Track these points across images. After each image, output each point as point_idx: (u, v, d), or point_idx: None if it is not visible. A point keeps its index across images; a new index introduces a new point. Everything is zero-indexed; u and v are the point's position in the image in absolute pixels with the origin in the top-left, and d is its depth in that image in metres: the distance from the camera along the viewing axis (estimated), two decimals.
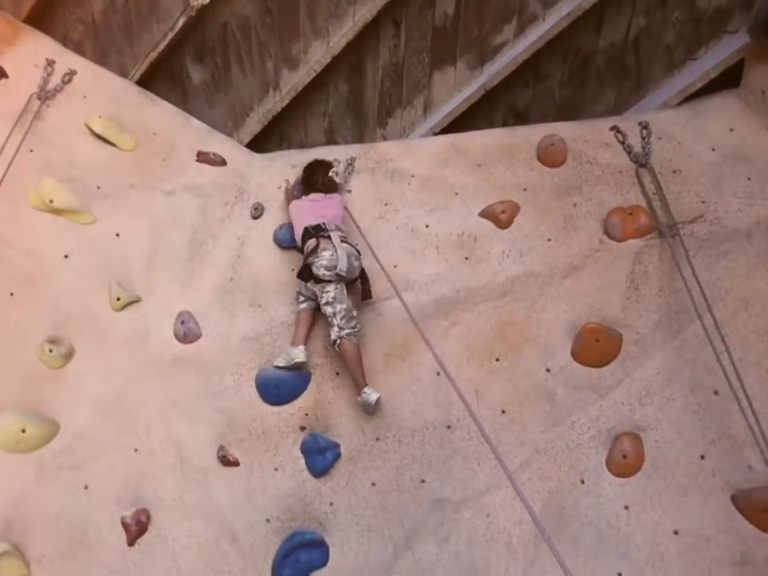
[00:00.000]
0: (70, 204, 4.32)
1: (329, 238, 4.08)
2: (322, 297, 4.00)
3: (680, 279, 3.76)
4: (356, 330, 3.97)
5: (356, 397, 3.95)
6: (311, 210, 4.31)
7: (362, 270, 4.15)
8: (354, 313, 4.01)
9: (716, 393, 3.63)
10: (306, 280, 4.10)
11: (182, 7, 4.81)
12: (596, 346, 3.82)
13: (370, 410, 3.92)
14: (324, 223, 4.17)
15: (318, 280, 4.00)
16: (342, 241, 4.10)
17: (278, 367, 4.08)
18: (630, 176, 4.20)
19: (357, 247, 4.18)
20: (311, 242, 4.11)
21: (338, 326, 3.92)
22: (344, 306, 3.97)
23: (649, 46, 4.65)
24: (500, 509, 3.71)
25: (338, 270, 3.96)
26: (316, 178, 4.51)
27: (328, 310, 3.97)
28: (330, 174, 4.49)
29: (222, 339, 4.28)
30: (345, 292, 4.04)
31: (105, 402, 4.08)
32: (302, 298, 4.19)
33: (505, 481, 3.71)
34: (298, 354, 4.02)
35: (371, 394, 3.86)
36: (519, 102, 4.99)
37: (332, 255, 3.99)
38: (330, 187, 4.48)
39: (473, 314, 4.05)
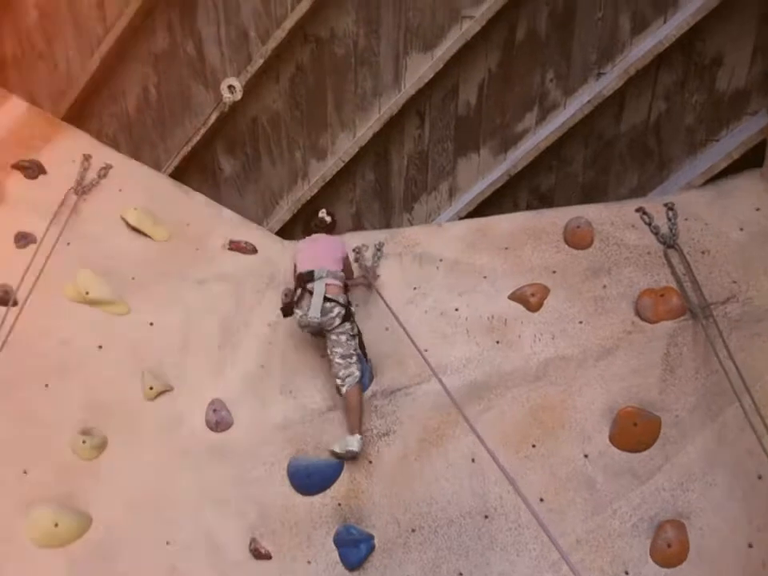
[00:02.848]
0: (105, 295, 4.41)
1: (311, 290, 4.22)
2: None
3: (716, 360, 3.71)
4: (351, 377, 4.15)
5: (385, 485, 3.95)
6: (308, 251, 4.49)
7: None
8: (353, 357, 4.19)
9: (760, 477, 3.55)
10: (285, 316, 4.39)
11: (214, 104, 5.01)
12: (634, 431, 3.75)
13: (345, 454, 4.05)
14: (314, 271, 4.27)
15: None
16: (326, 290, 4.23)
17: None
18: (659, 257, 4.21)
19: (346, 297, 4.31)
20: (298, 292, 4.30)
21: (336, 375, 4.19)
22: (339, 353, 4.18)
23: (670, 129, 4.72)
24: None
25: (309, 319, 4.16)
26: (309, 224, 4.78)
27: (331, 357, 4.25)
28: (320, 215, 4.73)
29: (254, 428, 4.27)
30: (340, 339, 4.20)
31: (137, 493, 4.05)
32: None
33: (546, 572, 3.62)
34: (353, 443, 4.04)
35: (353, 443, 4.02)
36: (543, 185, 5.06)
37: (306, 308, 4.19)
38: (322, 225, 4.70)
39: (506, 398, 4.01)
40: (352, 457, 4.04)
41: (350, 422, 4.09)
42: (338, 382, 4.16)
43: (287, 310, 4.34)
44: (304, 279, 4.29)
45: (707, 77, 4.52)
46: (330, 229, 4.74)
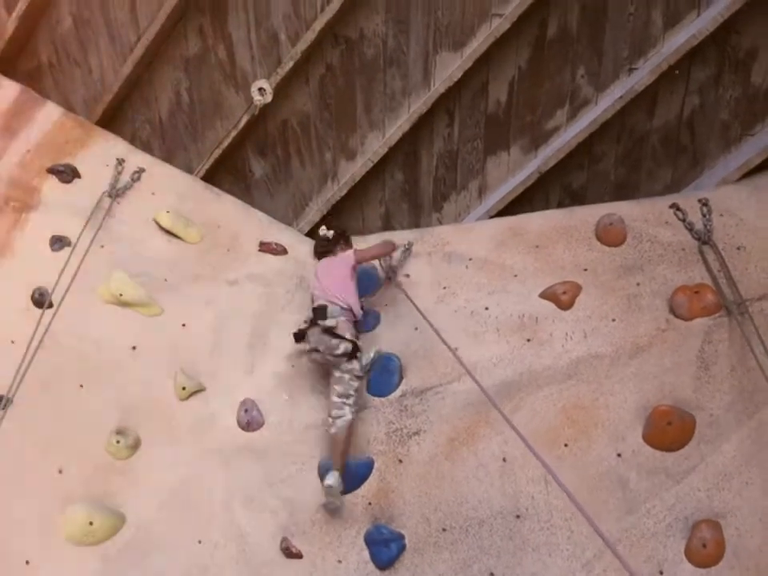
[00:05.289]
0: (138, 297, 4.47)
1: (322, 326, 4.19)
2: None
3: (752, 358, 3.63)
4: (342, 420, 4.06)
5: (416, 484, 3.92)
6: (322, 280, 4.40)
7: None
8: (349, 398, 4.11)
9: None
10: (297, 342, 4.35)
11: (244, 107, 5.06)
12: (668, 429, 3.68)
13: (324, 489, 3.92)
14: (327, 309, 4.23)
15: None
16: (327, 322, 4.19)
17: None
18: (693, 254, 4.14)
19: (355, 332, 4.28)
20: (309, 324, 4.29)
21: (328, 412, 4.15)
22: (337, 392, 4.13)
23: (704, 124, 4.64)
24: None
25: (315, 355, 4.23)
26: (316, 249, 4.72)
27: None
28: (320, 233, 4.70)
29: (285, 427, 4.29)
30: (344, 378, 4.14)
31: (169, 492, 4.09)
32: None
33: (578, 573, 3.57)
34: (329, 478, 3.91)
35: (330, 477, 3.88)
36: (574, 183, 5.00)
37: (314, 343, 4.21)
38: (327, 243, 4.63)
39: (537, 397, 3.96)
40: (329, 490, 3.89)
41: (334, 459, 4.00)
42: (329, 420, 4.10)
43: (298, 338, 4.32)
44: (317, 315, 4.24)
45: (742, 71, 4.43)
46: (337, 241, 4.65)
